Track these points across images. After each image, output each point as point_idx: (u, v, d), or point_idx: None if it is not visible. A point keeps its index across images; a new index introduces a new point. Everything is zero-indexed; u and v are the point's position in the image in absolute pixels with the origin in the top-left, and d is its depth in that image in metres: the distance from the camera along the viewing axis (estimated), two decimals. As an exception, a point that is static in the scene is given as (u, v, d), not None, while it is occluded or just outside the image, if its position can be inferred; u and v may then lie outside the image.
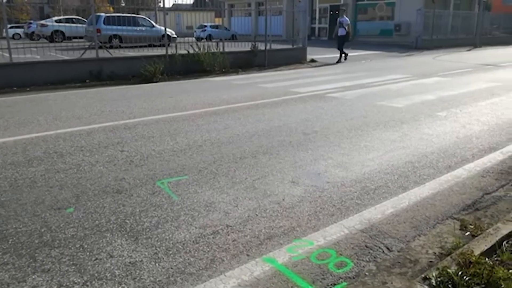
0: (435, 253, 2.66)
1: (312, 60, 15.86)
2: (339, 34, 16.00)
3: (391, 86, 9.70)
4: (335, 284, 2.39)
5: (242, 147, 4.97)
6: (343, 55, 16.24)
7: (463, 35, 26.27)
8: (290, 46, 16.13)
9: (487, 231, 2.78)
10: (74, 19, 21.17)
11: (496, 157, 4.56)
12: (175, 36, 17.87)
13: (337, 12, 29.78)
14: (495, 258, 2.48)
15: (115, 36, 16.63)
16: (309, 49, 16.57)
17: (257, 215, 3.26)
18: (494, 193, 3.65)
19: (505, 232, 2.73)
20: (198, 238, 2.92)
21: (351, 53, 19.23)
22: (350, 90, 9.14)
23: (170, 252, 2.73)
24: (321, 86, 9.70)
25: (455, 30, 27.02)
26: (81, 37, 16.51)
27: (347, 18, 16.41)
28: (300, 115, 6.78)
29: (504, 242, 2.64)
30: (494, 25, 30.69)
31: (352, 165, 4.36)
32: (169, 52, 12.42)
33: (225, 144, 5.11)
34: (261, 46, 14.41)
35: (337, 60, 16.11)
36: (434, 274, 2.26)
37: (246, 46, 14.46)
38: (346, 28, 15.87)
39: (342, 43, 16.07)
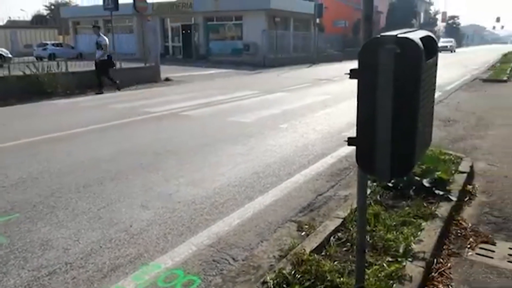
0: (275, 256, 2.86)
1: (167, 79, 15.79)
2: (99, 58, 12.34)
3: (241, 103, 10.23)
4: (181, 305, 2.37)
5: (86, 175, 4.64)
6: (116, 82, 12.70)
7: (303, 53, 29.30)
8: (143, 65, 15.80)
9: (318, 229, 3.11)
10: None
11: (327, 161, 5.15)
12: (9, 56, 15.91)
13: (189, 31, 30.41)
14: (324, 253, 2.78)
15: None
16: (164, 67, 16.49)
17: (101, 246, 3.06)
18: (325, 193, 4.11)
19: (332, 228, 3.09)
20: (31, 282, 2.60)
21: (205, 72, 19.76)
22: (203, 107, 9.35)
23: (-7, 304, 2.38)
24: (174, 104, 9.70)
25: (296, 49, 30.02)
26: None
27: (104, 37, 12.81)
28: (152, 135, 6.65)
29: (332, 237, 2.98)
30: (328, 44, 35.05)
31: (203, 181, 4.43)
32: (1, 74, 10.98)
33: (67, 173, 4.70)
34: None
35: (101, 90, 12.24)
36: (271, 277, 2.42)
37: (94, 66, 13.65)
38: (104, 49, 12.34)
39: (104, 70, 12.45)
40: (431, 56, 1.96)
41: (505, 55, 31.49)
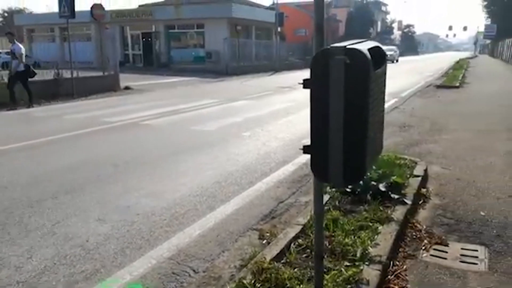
0: (236, 266, 2.85)
1: (127, 88, 15.49)
2: (14, 70, 10.97)
3: (203, 111, 10.18)
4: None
5: (40, 189, 4.45)
6: (31, 97, 11.21)
7: (266, 61, 29.57)
8: (101, 74, 15.42)
9: (278, 236, 3.13)
10: None
11: (288, 168, 5.20)
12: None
13: (149, 39, 30.00)
14: (284, 261, 2.80)
15: None
16: (123, 76, 16.17)
17: (55, 263, 2.94)
18: (286, 200, 4.15)
19: (292, 234, 3.11)
20: (-23, 306, 2.46)
21: (167, 80, 19.54)
22: (164, 116, 9.23)
23: None
24: (135, 114, 9.52)
25: (259, 57, 30.24)
26: None
27: (20, 45, 11.45)
28: (111, 146, 6.49)
29: (292, 244, 3.00)
30: (290, 52, 35.59)
31: (164, 192, 4.36)
32: None
33: (19, 188, 4.50)
34: (68, 74, 13.37)
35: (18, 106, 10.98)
36: (231, 287, 2.41)
37: (49, 75, 13.20)
38: (19, 59, 10.94)
39: (23, 82, 11.07)
40: (379, 66, 2.03)
41: (457, 62, 33.13)
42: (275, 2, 30.74)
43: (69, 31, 14.31)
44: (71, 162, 5.52)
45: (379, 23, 68.69)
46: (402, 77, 20.09)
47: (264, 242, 3.21)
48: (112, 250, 3.13)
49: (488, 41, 64.22)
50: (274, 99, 12.44)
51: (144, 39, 30.46)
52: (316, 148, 2.05)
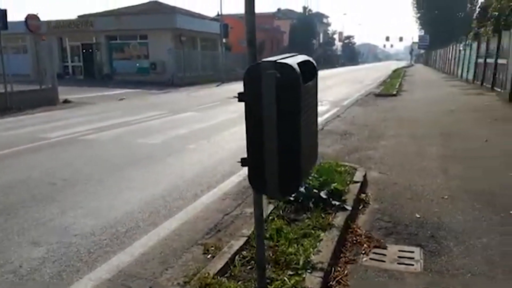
0: (179, 283, 2.79)
1: (66, 101, 14.82)
2: None
3: (148, 124, 9.96)
4: None
5: (-34, 213, 4.13)
6: None
7: (212, 72, 29.54)
8: (38, 87, 14.64)
9: (223, 250, 3.11)
10: None
11: (235, 179, 5.21)
12: None
13: (90, 50, 29.01)
14: (229, 274, 2.78)
15: None
16: (63, 89, 15.51)
17: (-18, 294, 2.73)
18: (232, 212, 4.14)
19: (237, 247, 3.11)
20: None
21: (110, 92, 18.93)
22: (107, 130, 8.91)
23: None
24: (75, 128, 9.12)
25: (205, 68, 30.18)
26: None
27: None
28: (49, 164, 6.16)
29: (237, 257, 2.99)
30: (236, 63, 35.81)
31: (105, 210, 4.20)
32: None
33: None
34: (1, 89, 12.60)
35: None
36: (173, 306, 2.35)
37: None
38: None
39: None
40: (310, 79, 2.10)
41: (394, 71, 35.00)
42: (220, 13, 30.91)
43: (1, 42, 13.47)
44: (4, 182, 5.17)
45: (321, 35, 71.13)
46: (344, 86, 20.90)
47: (209, 256, 3.17)
48: (48, 275, 2.96)
49: (422, 51, 68.49)
50: (221, 110, 12.43)
51: (84, 51, 29.41)
52: (253, 160, 2.07)
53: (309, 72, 2.13)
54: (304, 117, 2.01)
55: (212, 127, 9.29)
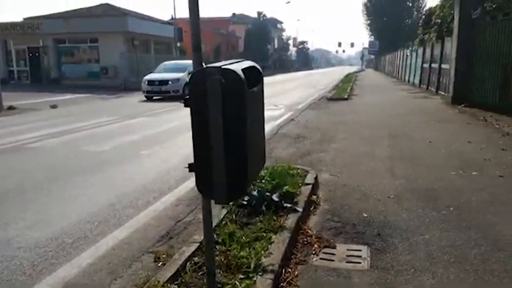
0: (128, 293, 2.72)
1: (11, 107, 14.06)
2: None
3: (98, 130, 9.65)
4: None
5: None
6: None
7: (167, 77, 29.12)
8: (-22, 93, 13.80)
9: (174, 257, 3.07)
10: None
11: (189, 185, 5.15)
12: None
13: (37, 54, 27.74)
14: (179, 281, 2.75)
15: None
16: (7, 94, 14.80)
17: None
18: (185, 219, 4.10)
19: (188, 253, 3.08)
20: None
21: (58, 97, 18.17)
22: (53, 137, 8.54)
23: None
24: (19, 136, 8.67)
25: (159, 72, 29.66)
26: None
27: None
28: (-12, 174, 5.82)
29: (188, 263, 2.97)
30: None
31: (50, 221, 4.02)
32: None
33: None
34: None
35: None
36: (121, 317, 2.30)
37: None
38: None
39: None
40: (255, 85, 2.13)
41: (346, 75, 36.10)
42: (174, 17, 30.59)
43: None
44: None
45: (276, 40, 72.15)
46: (298, 91, 21.30)
47: (159, 264, 3.12)
48: (-15, 292, 2.79)
49: (372, 56, 71.15)
50: (175, 115, 12.28)
51: (30, 54, 28.11)
52: (200, 165, 2.08)
53: (254, 78, 2.16)
54: (250, 121, 2.03)
55: (165, 132, 9.15)
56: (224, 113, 1.93)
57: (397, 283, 2.81)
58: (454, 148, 6.82)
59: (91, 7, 31.68)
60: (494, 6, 12.04)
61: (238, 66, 2.00)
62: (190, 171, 2.13)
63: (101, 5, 31.70)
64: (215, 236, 3.32)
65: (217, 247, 3.15)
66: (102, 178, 5.52)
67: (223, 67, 1.92)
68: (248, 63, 2.18)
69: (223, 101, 1.92)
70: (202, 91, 1.95)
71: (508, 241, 3.36)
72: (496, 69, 10.50)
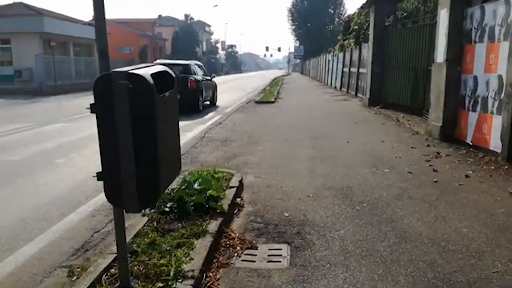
0: (37, 312, 2.55)
1: None
2: None
3: (11, 137, 8.92)
4: None
5: None
6: None
7: (88, 79, 27.67)
8: None
9: (89, 270, 2.93)
10: None
11: (108, 193, 4.94)
12: None
13: None
14: (95, 294, 2.63)
15: None
16: None
17: None
18: (103, 229, 3.92)
19: (104, 265, 2.94)
20: None
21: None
22: (-45, 147, 7.74)
23: None
24: None
25: (80, 75, 28.17)
26: None
27: None
28: None
29: (104, 276, 2.84)
30: (113, 69, 34.13)
31: None
32: None
33: None
34: None
35: None
36: None
37: None
38: None
39: None
40: (166, 90, 2.11)
41: (273, 79, 36.95)
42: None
43: None
44: None
45: (204, 43, 71.82)
46: (227, 94, 21.37)
47: (73, 278, 2.96)
48: None
49: (298, 61, 73.64)
50: (95, 120, 11.71)
51: None
52: (108, 174, 2.01)
53: (165, 83, 2.14)
54: (161, 127, 2.01)
55: (84, 138, 8.67)
56: (133, 119, 1.89)
57: (314, 279, 2.93)
58: (369, 147, 7.29)
59: (3, 5, 29.18)
60: (405, 14, 13.04)
61: (147, 70, 1.97)
62: (98, 179, 2.05)
63: (14, 3, 29.30)
64: (134, 245, 3.23)
65: (136, 256, 3.06)
66: (13, 190, 5.11)
67: (129, 71, 1.88)
68: (159, 68, 2.15)
69: (131, 107, 1.88)
70: (108, 97, 1.89)
71: (414, 233, 3.66)
72: (407, 72, 11.38)
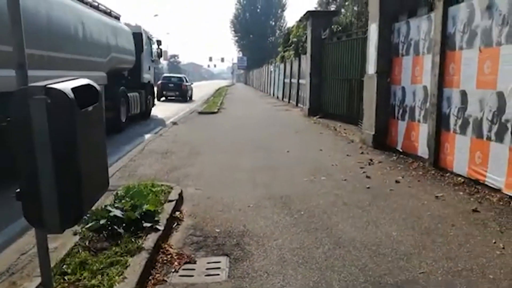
0: None
1: None
2: None
3: None
4: None
5: None
6: None
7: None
8: None
9: (12, 296, 2.74)
10: None
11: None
12: None
13: None
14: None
15: None
16: None
17: None
18: (31, 250, 3.68)
19: (31, 289, 2.78)
20: None
21: None
22: None
23: None
24: None
25: None
26: None
27: None
28: None
29: (29, 300, 2.67)
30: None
31: None
32: None
33: None
34: None
35: None
36: None
37: None
38: None
39: None
40: (90, 104, 2.05)
41: (217, 89, 36.96)
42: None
43: None
44: None
45: (146, 53, 70.30)
46: (170, 105, 21.07)
47: (-6, 306, 2.75)
48: None
49: (242, 71, 74.31)
50: None
51: None
52: (27, 193, 1.90)
53: (89, 97, 2.07)
54: (84, 143, 1.94)
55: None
56: (51, 135, 1.80)
57: (251, 290, 2.94)
58: (307, 156, 7.50)
59: None
60: (340, 28, 13.65)
61: (68, 85, 1.90)
62: (17, 200, 1.93)
63: None
64: (64, 266, 3.07)
65: (66, 277, 2.92)
66: None
67: (48, 86, 1.80)
68: (82, 81, 2.08)
69: (49, 123, 1.79)
70: (25, 112, 1.80)
71: (347, 238, 3.80)
72: (343, 84, 11.90)
